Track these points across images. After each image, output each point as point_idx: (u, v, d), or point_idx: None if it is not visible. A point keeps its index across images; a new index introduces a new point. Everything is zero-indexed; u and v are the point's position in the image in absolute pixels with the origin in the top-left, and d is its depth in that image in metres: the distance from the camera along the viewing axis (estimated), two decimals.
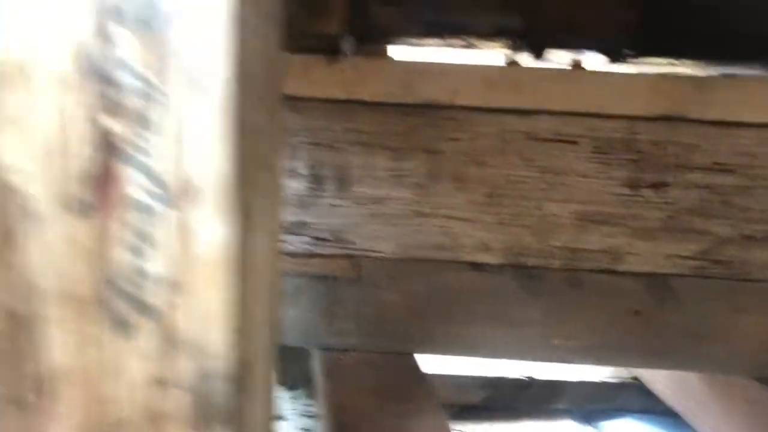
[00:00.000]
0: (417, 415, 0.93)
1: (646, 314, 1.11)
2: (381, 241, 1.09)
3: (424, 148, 1.07)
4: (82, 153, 0.47)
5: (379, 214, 1.08)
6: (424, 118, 1.06)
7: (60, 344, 0.48)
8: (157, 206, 0.47)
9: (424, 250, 1.09)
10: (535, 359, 1.15)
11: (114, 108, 0.46)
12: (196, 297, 0.48)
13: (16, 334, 0.48)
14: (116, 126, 0.46)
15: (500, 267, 1.09)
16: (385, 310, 1.08)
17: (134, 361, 0.48)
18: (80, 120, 0.46)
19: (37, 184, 0.47)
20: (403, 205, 1.08)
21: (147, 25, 0.46)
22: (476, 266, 1.09)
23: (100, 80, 0.46)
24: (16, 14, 0.45)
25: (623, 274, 1.11)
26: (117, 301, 0.47)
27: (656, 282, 1.10)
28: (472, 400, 1.44)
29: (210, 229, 0.47)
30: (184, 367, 0.48)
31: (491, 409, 1.42)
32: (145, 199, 0.47)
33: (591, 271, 1.10)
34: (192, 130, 0.46)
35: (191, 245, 0.47)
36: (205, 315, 0.48)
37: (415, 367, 1.10)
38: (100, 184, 0.47)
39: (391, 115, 1.05)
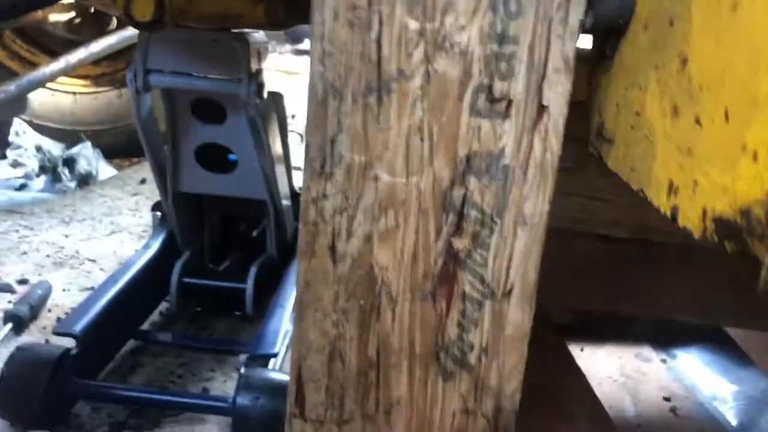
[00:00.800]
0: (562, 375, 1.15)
1: (745, 285, 1.31)
2: None
3: (576, 138, 1.21)
4: (432, 261, 0.65)
5: None
6: (577, 112, 1.20)
7: (402, 383, 0.69)
8: (481, 299, 0.66)
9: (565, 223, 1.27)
10: (646, 315, 1.36)
11: (459, 232, 0.64)
12: (499, 359, 0.68)
13: (374, 373, 0.68)
14: (460, 244, 0.64)
15: (627, 240, 1.27)
16: None
17: (454, 398, 0.69)
18: (434, 238, 0.64)
19: (398, 278, 0.66)
20: None
21: (492, 177, 0.62)
22: (606, 238, 1.27)
23: (453, 212, 0.63)
24: (396, 164, 0.62)
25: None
26: (445, 358, 0.68)
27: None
28: (563, 321, 1.66)
29: (515, 315, 0.66)
30: (487, 404, 0.69)
31: (580, 330, 1.65)
32: (475, 295, 0.65)
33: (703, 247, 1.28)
34: (514, 250, 0.64)
35: (500, 325, 0.66)
36: (505, 371, 0.68)
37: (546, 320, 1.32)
38: (443, 282, 0.65)
39: None
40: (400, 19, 0.59)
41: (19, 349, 1.14)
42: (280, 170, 1.47)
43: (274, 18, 1.05)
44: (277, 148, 1.44)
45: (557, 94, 0.60)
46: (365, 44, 0.60)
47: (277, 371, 1.20)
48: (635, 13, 0.56)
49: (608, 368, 1.59)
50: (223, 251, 1.65)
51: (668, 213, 0.46)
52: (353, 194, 0.63)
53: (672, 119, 0.45)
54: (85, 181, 2.44)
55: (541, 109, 0.60)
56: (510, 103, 0.60)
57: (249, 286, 1.48)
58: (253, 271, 1.48)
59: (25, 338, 1.41)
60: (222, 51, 1.19)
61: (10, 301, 1.53)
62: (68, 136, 2.60)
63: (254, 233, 1.68)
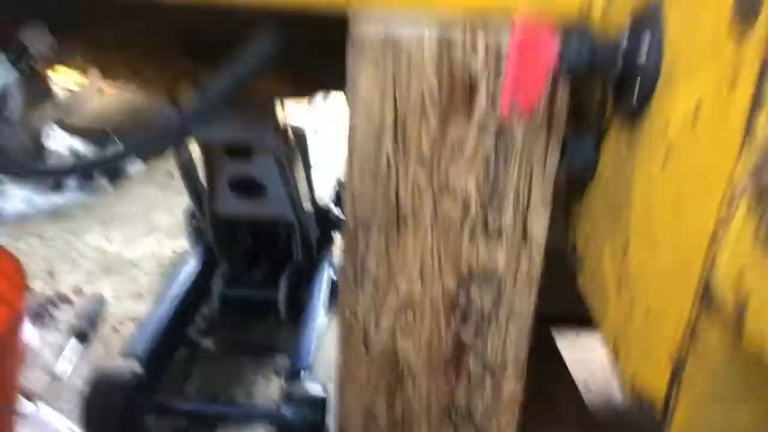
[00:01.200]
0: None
1: None
2: None
3: None
4: (444, 347, 0.82)
5: None
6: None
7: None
8: (483, 374, 0.83)
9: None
10: None
11: (465, 325, 0.81)
12: (498, 417, 0.86)
13: (400, 430, 0.87)
14: (465, 334, 0.81)
15: None
16: None
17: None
18: (444, 331, 0.81)
19: (417, 361, 0.83)
20: None
21: (489, 285, 0.79)
22: None
23: (459, 311, 0.80)
24: (413, 277, 0.79)
25: None
26: (456, 417, 0.86)
27: None
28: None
29: (509, 386, 0.84)
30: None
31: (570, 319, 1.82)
32: (478, 370, 0.83)
33: None
34: (507, 339, 0.81)
35: (499, 393, 0.84)
36: (502, 426, 0.86)
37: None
38: (453, 363, 0.83)
39: None
40: (413, 173, 0.75)
41: (96, 372, 1.34)
42: (303, 193, 1.63)
43: (300, 93, 1.19)
44: (300, 176, 1.60)
45: (538, 224, 0.76)
46: (386, 192, 0.76)
47: (313, 382, 1.39)
48: (597, 175, 0.71)
49: (600, 355, 1.75)
50: (254, 258, 1.83)
51: (612, 364, 0.62)
52: (380, 299, 0.80)
53: (618, 291, 0.60)
54: (116, 177, 2.61)
55: (526, 235, 0.76)
56: (501, 232, 0.76)
57: (282, 294, 1.67)
58: (284, 282, 1.67)
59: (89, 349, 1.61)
60: (251, 107, 1.34)
61: (70, 313, 1.72)
62: (95, 134, 2.75)
63: (281, 239, 1.86)
